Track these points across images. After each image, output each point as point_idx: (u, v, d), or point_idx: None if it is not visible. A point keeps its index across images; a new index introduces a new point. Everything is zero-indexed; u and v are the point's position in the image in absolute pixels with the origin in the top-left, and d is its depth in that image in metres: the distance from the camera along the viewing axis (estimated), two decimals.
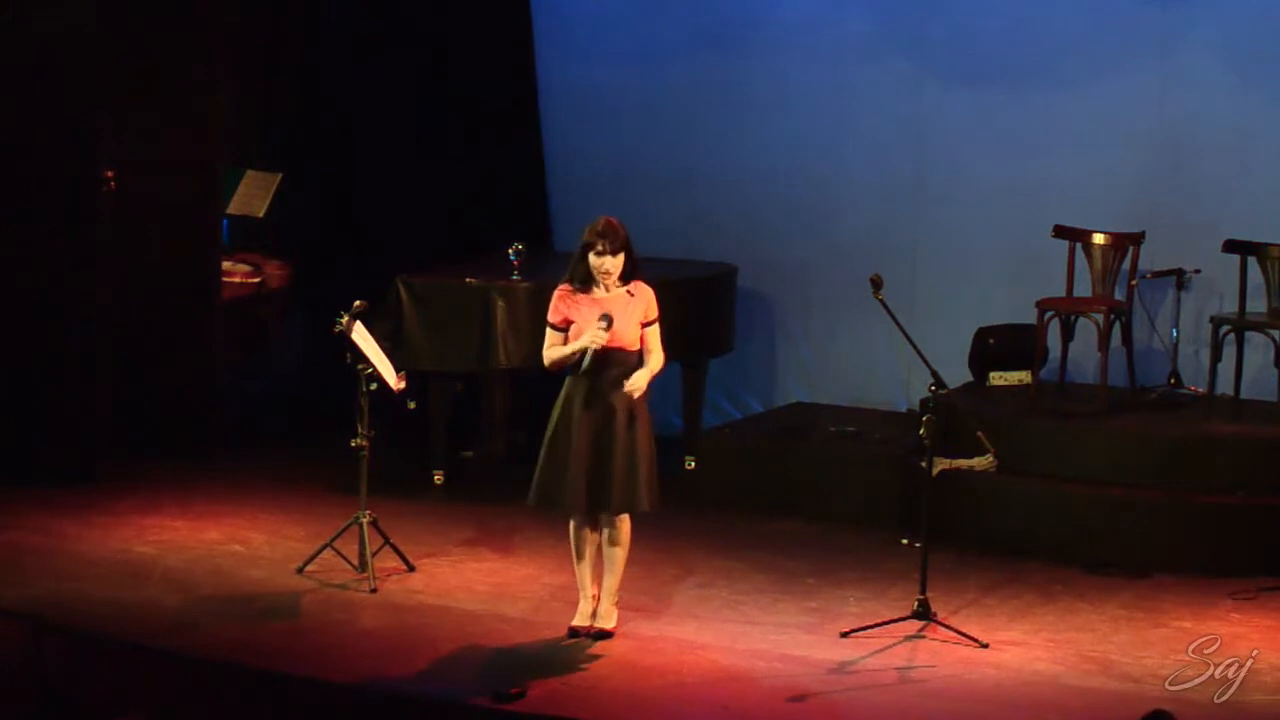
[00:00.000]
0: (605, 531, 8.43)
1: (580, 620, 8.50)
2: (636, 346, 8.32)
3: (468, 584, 9.26)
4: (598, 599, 8.50)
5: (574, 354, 8.23)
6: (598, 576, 8.50)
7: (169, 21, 11.13)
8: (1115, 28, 11.37)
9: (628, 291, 8.31)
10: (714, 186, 12.35)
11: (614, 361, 8.28)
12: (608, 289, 8.29)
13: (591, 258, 8.24)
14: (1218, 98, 11.16)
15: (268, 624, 8.57)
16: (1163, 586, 9.48)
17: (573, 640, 8.42)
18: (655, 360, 8.35)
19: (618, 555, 8.44)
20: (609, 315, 8.18)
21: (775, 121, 12.20)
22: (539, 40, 12.78)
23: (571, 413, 8.29)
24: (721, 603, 9.10)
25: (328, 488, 10.56)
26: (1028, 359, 11.03)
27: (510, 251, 10.87)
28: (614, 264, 8.24)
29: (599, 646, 8.34)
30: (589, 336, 8.19)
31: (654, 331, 8.36)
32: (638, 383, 8.23)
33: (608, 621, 8.48)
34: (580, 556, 8.49)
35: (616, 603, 8.53)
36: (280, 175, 12.35)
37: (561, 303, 8.32)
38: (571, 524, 8.47)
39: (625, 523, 8.43)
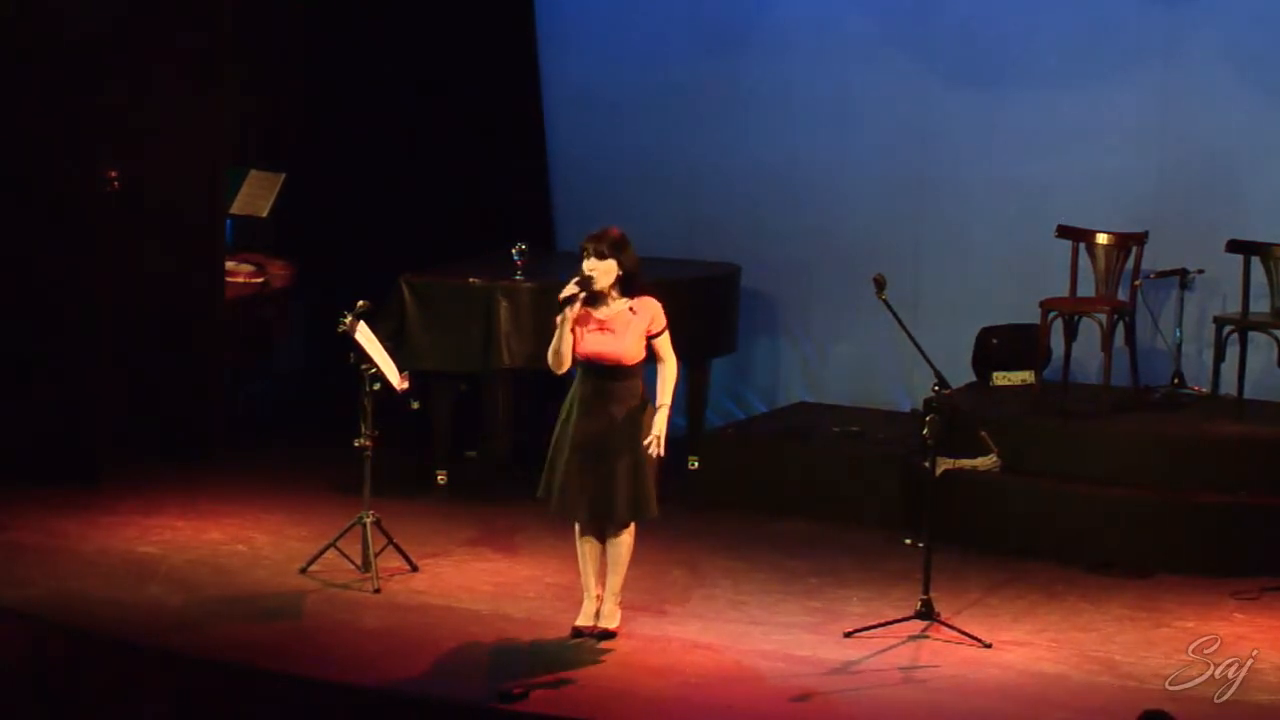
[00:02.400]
0: (609, 532, 8.42)
1: (584, 620, 8.49)
2: (637, 360, 8.31)
3: (471, 584, 9.25)
4: (601, 599, 8.50)
5: (565, 318, 8.17)
6: (601, 576, 8.49)
7: (172, 21, 11.13)
8: (1119, 28, 11.36)
9: (629, 309, 8.28)
10: (717, 186, 12.35)
11: (615, 373, 8.27)
12: (608, 303, 8.27)
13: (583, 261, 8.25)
14: (1221, 98, 11.16)
15: (271, 624, 8.57)
16: (1165, 586, 9.48)
17: (576, 640, 8.41)
18: (669, 370, 8.36)
19: (621, 555, 8.44)
20: (587, 279, 8.18)
21: (778, 122, 12.19)
22: (542, 41, 12.77)
23: (570, 419, 8.31)
24: (725, 602, 9.10)
25: (331, 488, 10.57)
26: (1031, 359, 11.03)
27: (513, 251, 10.86)
28: (597, 268, 8.20)
29: (603, 646, 8.34)
30: (565, 292, 8.15)
31: (664, 340, 8.36)
32: (659, 429, 8.25)
33: (611, 621, 8.48)
34: (584, 556, 8.48)
35: (620, 602, 8.52)
36: (283, 175, 12.35)
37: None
38: (575, 524, 8.47)
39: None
